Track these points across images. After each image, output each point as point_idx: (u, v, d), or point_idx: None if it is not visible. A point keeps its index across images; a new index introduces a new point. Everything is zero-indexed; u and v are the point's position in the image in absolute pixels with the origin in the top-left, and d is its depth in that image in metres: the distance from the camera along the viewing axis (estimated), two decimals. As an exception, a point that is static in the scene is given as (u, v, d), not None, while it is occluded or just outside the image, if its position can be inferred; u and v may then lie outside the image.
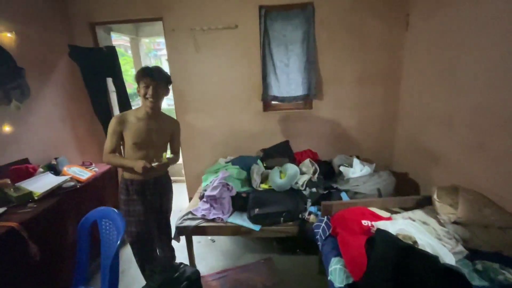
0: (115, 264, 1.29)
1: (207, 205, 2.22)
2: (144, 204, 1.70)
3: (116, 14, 2.65)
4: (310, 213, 2.09)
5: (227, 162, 2.82)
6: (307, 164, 2.38)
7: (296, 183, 2.27)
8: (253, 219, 2.06)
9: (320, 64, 2.70)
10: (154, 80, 1.53)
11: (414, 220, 1.56)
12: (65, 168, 2.11)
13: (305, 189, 2.24)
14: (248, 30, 2.63)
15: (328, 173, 2.50)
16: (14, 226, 1.48)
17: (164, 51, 2.75)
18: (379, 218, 1.65)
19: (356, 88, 2.75)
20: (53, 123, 2.42)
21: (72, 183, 1.96)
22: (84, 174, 2.14)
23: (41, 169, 2.07)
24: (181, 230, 2.07)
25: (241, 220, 2.10)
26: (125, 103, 2.77)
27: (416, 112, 2.44)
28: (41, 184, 1.86)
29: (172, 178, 1.95)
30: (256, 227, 2.03)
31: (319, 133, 2.91)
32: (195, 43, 2.67)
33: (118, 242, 1.30)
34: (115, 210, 1.46)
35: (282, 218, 2.04)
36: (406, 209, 1.82)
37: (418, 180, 2.42)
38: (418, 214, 1.66)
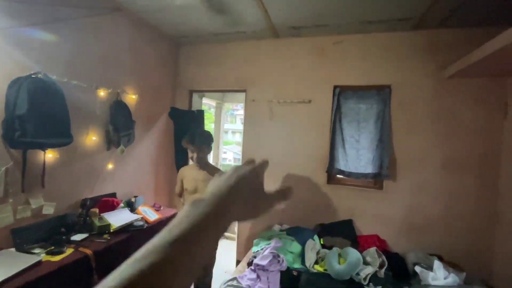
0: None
1: (254, 275, 2.08)
2: None
3: (210, 85, 3.22)
4: (372, 319, 1.72)
5: (281, 231, 2.70)
6: (373, 254, 2.07)
7: (358, 274, 1.96)
8: (302, 307, 1.80)
9: (396, 144, 2.55)
10: (196, 146, 2.06)
11: None
12: (139, 207, 2.38)
13: (367, 284, 1.90)
14: (321, 105, 2.78)
15: (399, 271, 2.09)
16: (88, 254, 1.68)
17: (240, 111, 3.11)
18: None
19: (440, 175, 2.43)
20: (141, 167, 2.86)
21: (141, 223, 2.17)
22: (152, 216, 2.35)
23: (122, 204, 2.39)
24: (223, 297, 1.96)
25: (287, 304, 1.87)
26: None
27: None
28: (118, 218, 2.12)
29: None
30: (304, 319, 1.76)
31: (389, 218, 2.57)
32: (269, 113, 2.94)
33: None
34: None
35: (336, 316, 1.73)
36: None
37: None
38: None
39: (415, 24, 2.37)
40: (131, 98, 2.58)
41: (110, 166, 2.41)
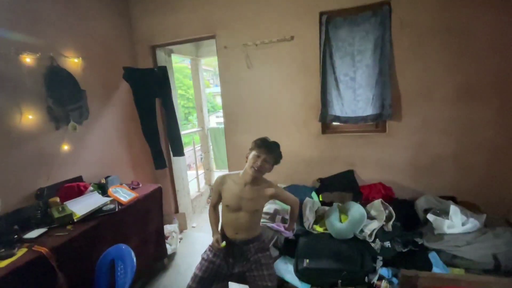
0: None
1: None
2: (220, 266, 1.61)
3: (173, 36, 2.68)
4: (381, 278, 1.51)
5: (276, 192, 2.45)
6: (378, 207, 1.80)
7: (362, 231, 1.72)
8: (301, 274, 1.60)
9: (399, 76, 2.12)
10: (266, 153, 1.54)
11: None
12: (110, 189, 2.10)
13: (374, 241, 1.67)
14: (305, 41, 2.29)
15: (409, 220, 1.85)
16: (43, 253, 1.42)
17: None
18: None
19: (453, 106, 2.04)
20: (109, 142, 2.51)
21: (112, 206, 1.90)
22: (127, 196, 2.07)
23: (91, 188, 2.10)
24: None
25: (286, 271, 1.68)
26: (172, 125, 2.72)
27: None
28: (84, 205, 1.85)
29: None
30: (305, 286, 1.56)
31: (395, 163, 2.27)
32: (247, 59, 2.46)
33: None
34: (130, 251, 1.25)
35: (340, 280, 1.53)
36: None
37: None
38: None
39: None
40: (72, 62, 2.11)
41: (65, 147, 2.06)
